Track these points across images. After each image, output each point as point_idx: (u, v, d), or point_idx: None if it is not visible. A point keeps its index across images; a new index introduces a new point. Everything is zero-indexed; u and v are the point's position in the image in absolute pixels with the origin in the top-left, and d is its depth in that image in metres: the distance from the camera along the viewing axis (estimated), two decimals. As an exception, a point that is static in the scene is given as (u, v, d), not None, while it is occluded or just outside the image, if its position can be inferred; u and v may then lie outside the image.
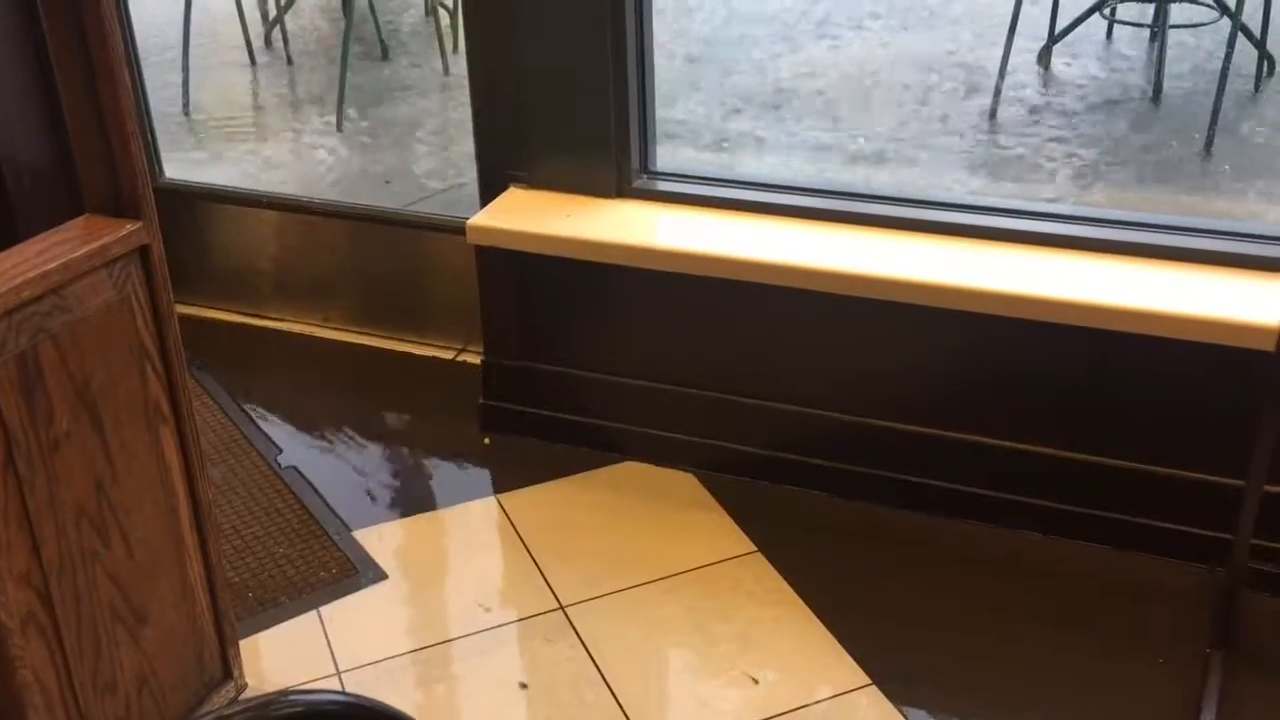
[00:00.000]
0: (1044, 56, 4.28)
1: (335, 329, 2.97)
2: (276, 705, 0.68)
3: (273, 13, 4.59)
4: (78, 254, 1.52)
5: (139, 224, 1.59)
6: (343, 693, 0.73)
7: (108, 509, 1.62)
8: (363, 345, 2.91)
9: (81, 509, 1.58)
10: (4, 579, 1.48)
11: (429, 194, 3.54)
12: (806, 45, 4.54)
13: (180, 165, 3.38)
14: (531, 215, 2.39)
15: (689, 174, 2.49)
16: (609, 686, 1.98)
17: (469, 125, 2.54)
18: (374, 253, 2.94)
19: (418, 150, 3.85)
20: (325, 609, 2.15)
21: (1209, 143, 3.71)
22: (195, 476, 1.76)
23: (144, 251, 1.61)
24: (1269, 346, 1.82)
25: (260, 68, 4.53)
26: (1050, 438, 2.18)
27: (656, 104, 2.43)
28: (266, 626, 2.11)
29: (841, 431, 2.31)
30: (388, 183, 3.65)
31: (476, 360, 2.64)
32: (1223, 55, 3.77)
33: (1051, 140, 3.82)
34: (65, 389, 1.53)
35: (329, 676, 2.02)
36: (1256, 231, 2.10)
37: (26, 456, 1.48)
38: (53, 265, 1.48)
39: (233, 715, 0.67)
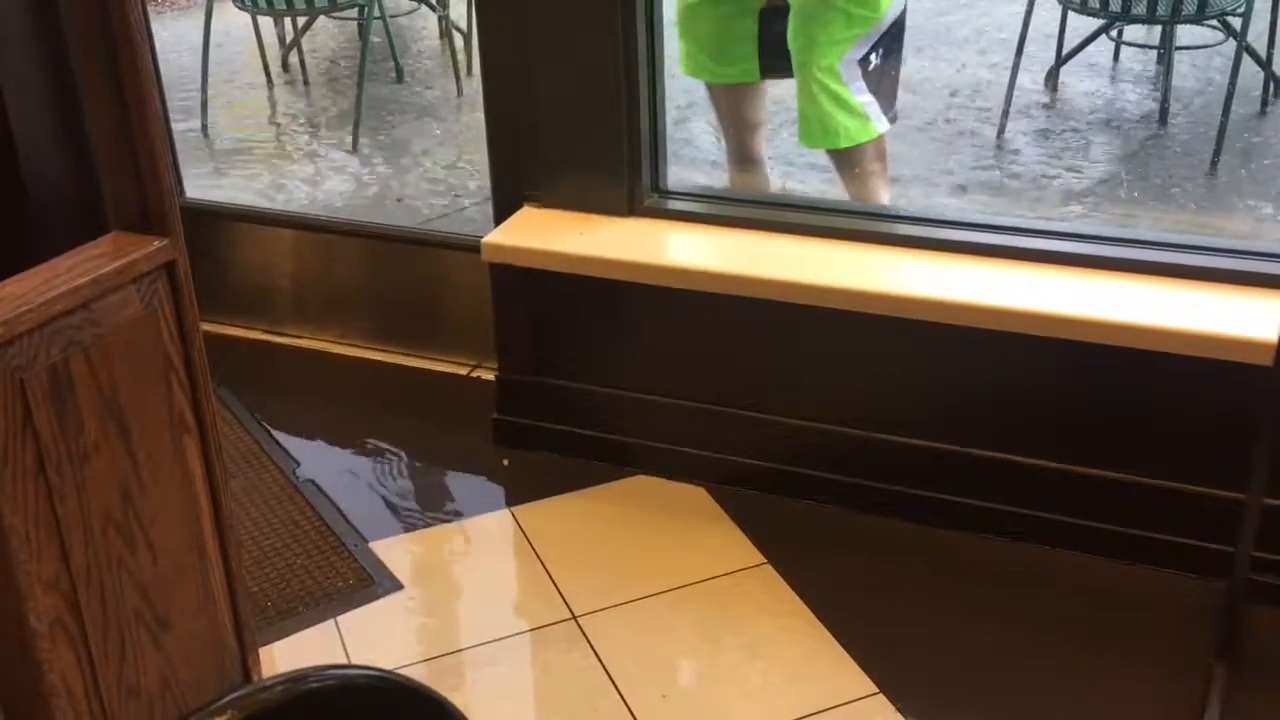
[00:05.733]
0: (1051, 77, 4.33)
1: (352, 345, 3.02)
2: (313, 678, 0.73)
3: (290, 36, 4.66)
4: (107, 270, 1.57)
5: (166, 240, 1.64)
6: (374, 668, 0.77)
7: (134, 517, 1.66)
8: (379, 361, 2.96)
9: (109, 517, 1.62)
10: (34, 585, 1.52)
11: (441, 213, 3.59)
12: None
13: (198, 184, 3.44)
14: (545, 233, 2.44)
15: (699, 192, 2.54)
16: (621, 695, 2.01)
17: (483, 146, 2.60)
18: (390, 271, 2.99)
19: (431, 170, 3.91)
20: (342, 618, 2.19)
21: (1214, 162, 3.75)
22: (218, 487, 1.80)
23: (170, 267, 1.66)
24: (1267, 361, 1.86)
25: (278, 89, 4.60)
26: (1055, 451, 2.21)
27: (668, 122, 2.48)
28: (284, 635, 2.15)
29: (851, 446, 2.35)
30: (399, 200, 3.71)
31: (491, 376, 2.69)
32: (1228, 76, 3.81)
33: (1058, 160, 3.86)
34: (94, 400, 1.57)
35: (346, 684, 2.05)
36: (1256, 249, 2.14)
37: (57, 465, 1.53)
38: (83, 280, 1.53)
39: (272, 686, 0.72)
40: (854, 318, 2.23)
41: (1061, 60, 4.30)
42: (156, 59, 3.01)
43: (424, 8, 4.81)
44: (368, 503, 2.49)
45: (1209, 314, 2.04)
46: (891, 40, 2.72)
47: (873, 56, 2.69)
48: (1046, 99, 4.26)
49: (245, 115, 4.41)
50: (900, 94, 2.85)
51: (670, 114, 2.54)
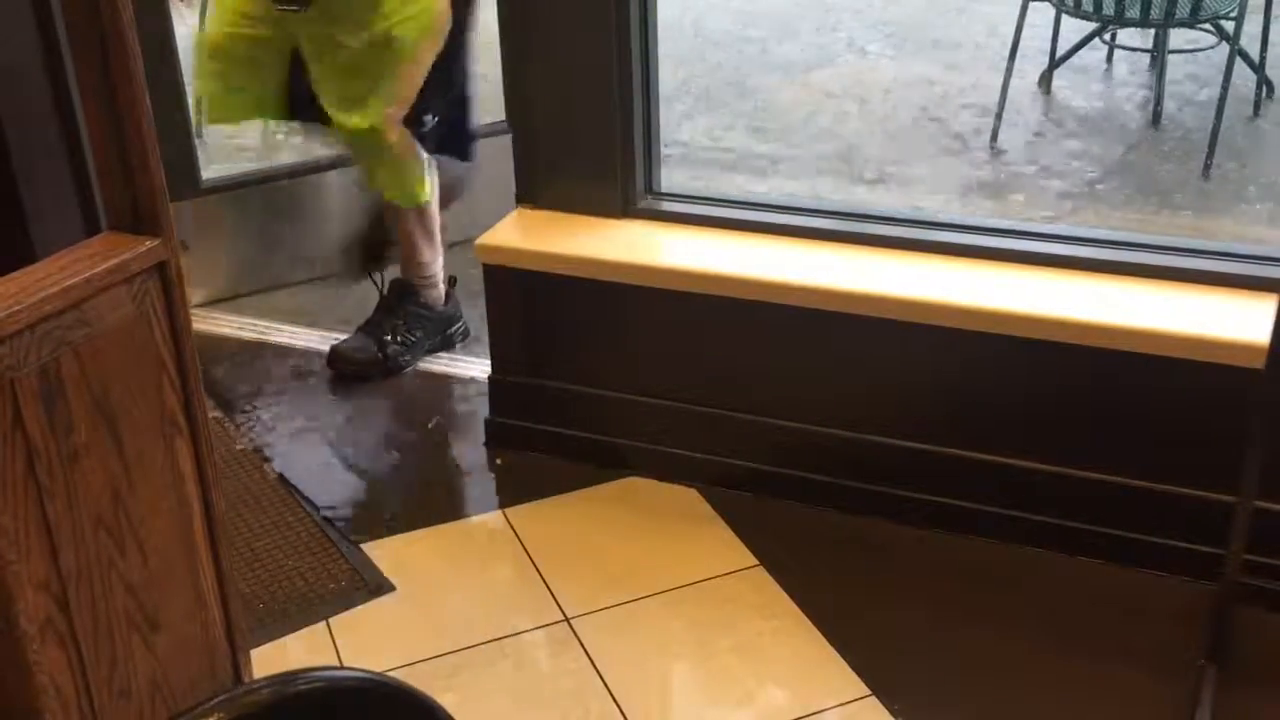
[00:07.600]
0: (1045, 80, 4.33)
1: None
2: (300, 680, 0.73)
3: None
4: (99, 269, 1.56)
5: (157, 240, 1.63)
6: (362, 670, 0.76)
7: (124, 518, 1.66)
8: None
9: (99, 518, 1.62)
10: (24, 586, 1.52)
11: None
12: (809, 68, 4.59)
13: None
14: (538, 235, 2.44)
15: (693, 195, 2.54)
16: (613, 697, 2.01)
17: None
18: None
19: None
20: (334, 620, 2.18)
21: (1207, 165, 3.76)
22: (209, 488, 1.80)
23: (162, 267, 1.65)
24: (1259, 364, 1.86)
25: (271, 89, 4.58)
26: (1046, 454, 2.21)
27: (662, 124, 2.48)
28: (276, 636, 2.14)
29: (843, 447, 2.35)
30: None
31: (484, 375, 2.68)
32: (1221, 80, 3.82)
33: (1051, 162, 3.87)
34: (85, 401, 1.57)
35: (337, 686, 2.05)
36: (1247, 252, 2.15)
37: (47, 466, 1.52)
38: (75, 280, 1.53)
39: (259, 688, 0.72)
40: (848, 320, 2.23)
41: (1055, 63, 4.31)
42: (177, 54, 2.98)
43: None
44: (360, 503, 2.48)
45: (1201, 317, 2.04)
46: None
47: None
48: (1039, 101, 4.27)
49: (239, 115, 4.39)
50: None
51: (664, 116, 2.53)
